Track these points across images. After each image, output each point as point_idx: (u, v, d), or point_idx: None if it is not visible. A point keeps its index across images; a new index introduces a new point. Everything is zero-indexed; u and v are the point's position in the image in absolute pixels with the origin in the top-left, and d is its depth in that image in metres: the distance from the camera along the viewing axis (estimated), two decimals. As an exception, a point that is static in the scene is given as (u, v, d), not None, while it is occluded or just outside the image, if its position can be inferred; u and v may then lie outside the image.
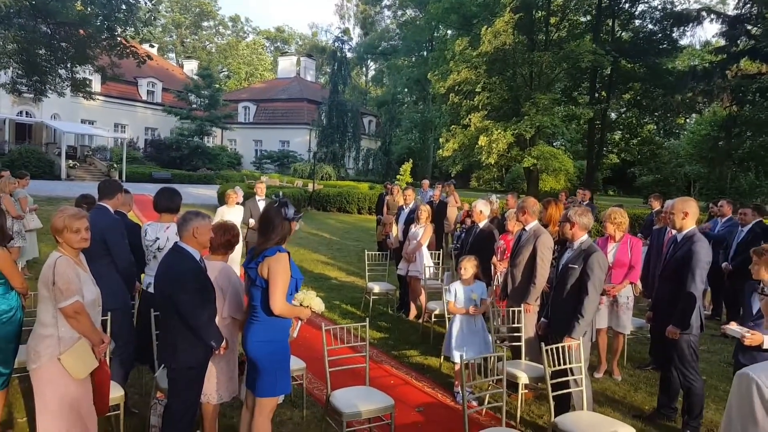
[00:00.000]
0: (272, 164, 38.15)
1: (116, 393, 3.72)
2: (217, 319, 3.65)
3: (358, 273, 9.84)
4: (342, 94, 37.50)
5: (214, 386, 3.81)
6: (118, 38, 19.81)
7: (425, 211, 7.40)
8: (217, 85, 37.94)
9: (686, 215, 4.43)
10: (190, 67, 47.13)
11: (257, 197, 8.45)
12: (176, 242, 3.53)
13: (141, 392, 4.72)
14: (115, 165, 30.34)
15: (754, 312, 3.70)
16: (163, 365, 3.69)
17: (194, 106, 35.43)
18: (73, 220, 3.23)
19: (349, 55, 43.78)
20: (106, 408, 3.50)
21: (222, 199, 20.82)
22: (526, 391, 4.72)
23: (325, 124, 37.17)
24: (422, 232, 7.38)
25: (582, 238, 4.27)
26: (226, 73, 61.12)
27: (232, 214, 7.84)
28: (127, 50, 20.01)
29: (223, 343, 3.47)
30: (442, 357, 5.78)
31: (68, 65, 20.06)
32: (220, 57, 63.52)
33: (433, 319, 6.77)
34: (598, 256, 4.16)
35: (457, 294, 5.08)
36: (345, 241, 15.07)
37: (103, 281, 3.64)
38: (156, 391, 4.04)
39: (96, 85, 31.50)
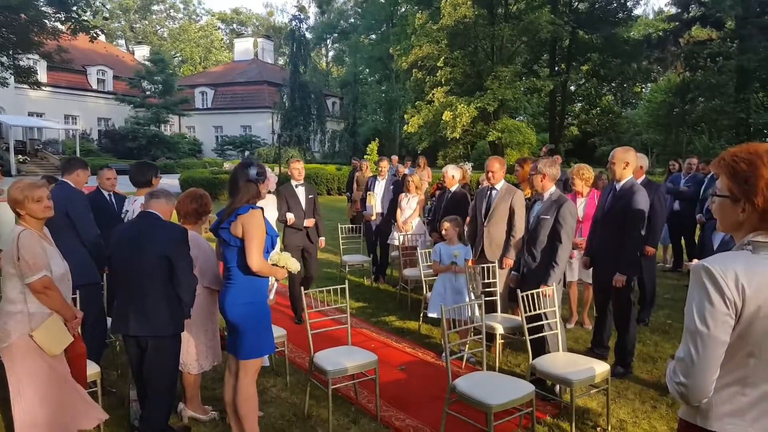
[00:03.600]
0: (235, 150, 37.37)
1: (92, 370, 3.64)
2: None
3: (332, 250, 9.81)
4: (303, 75, 36.88)
5: (194, 356, 3.78)
6: (68, 16, 18.83)
7: (413, 182, 7.44)
8: (171, 71, 36.82)
9: (627, 165, 4.49)
10: (142, 53, 45.47)
11: (293, 182, 6.18)
12: (146, 209, 3.44)
13: (117, 371, 4.63)
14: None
15: (715, 248, 3.85)
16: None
17: (148, 93, 34.29)
18: (33, 189, 3.09)
19: (308, 35, 42.99)
20: (84, 385, 3.41)
21: (185, 187, 20.38)
22: (502, 341, 4.82)
23: (287, 106, 36.49)
24: (416, 201, 7.45)
25: (551, 189, 4.35)
26: (180, 57, 59.32)
27: (264, 205, 6.31)
28: (78, 24, 19.00)
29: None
30: (421, 319, 5.85)
31: (10, 52, 19.09)
32: (173, 41, 61.53)
33: (409, 287, 6.83)
34: (569, 205, 4.26)
35: (441, 254, 5.24)
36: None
37: (69, 257, 3.52)
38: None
39: (42, 76, 30.20)
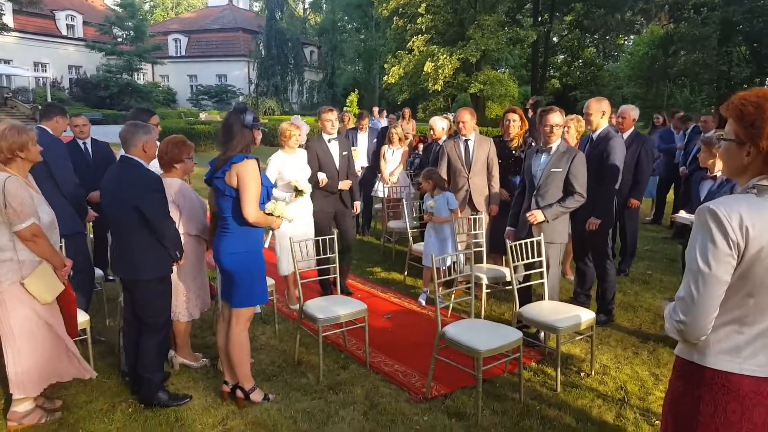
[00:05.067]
0: (210, 100, 36.39)
1: (81, 318, 3.60)
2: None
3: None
4: (280, 22, 35.68)
5: (184, 304, 3.77)
6: None
7: (397, 134, 7.36)
8: (142, 16, 35.24)
9: (604, 114, 4.61)
10: (112, -3, 43.45)
11: (326, 135, 5.26)
12: (123, 154, 3.34)
13: (103, 321, 4.61)
14: (39, 107, 28.23)
15: (702, 198, 3.91)
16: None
17: (119, 40, 32.91)
18: (29, 131, 3.00)
19: (284, -20, 41.39)
20: (75, 332, 3.38)
21: (160, 138, 19.38)
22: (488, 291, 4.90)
23: (264, 55, 35.46)
24: (400, 153, 7.41)
25: (558, 141, 4.28)
26: (150, 2, 56.77)
27: (294, 162, 4.95)
28: None
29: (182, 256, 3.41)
30: (407, 270, 5.91)
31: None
32: (143, -15, 58.70)
33: (394, 239, 6.87)
34: (581, 157, 4.22)
35: (432, 205, 5.23)
36: (296, 172, 14.84)
37: (52, 207, 3.43)
38: (121, 314, 3.96)
39: (8, 19, 28.72)
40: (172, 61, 39.26)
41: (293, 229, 4.55)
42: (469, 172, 5.27)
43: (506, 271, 4.60)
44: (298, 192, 4.62)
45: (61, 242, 3.64)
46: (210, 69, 39.08)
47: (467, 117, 5.26)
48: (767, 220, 1.48)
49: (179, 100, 38.01)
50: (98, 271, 4.59)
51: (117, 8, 34.02)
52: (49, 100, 27.97)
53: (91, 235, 4.95)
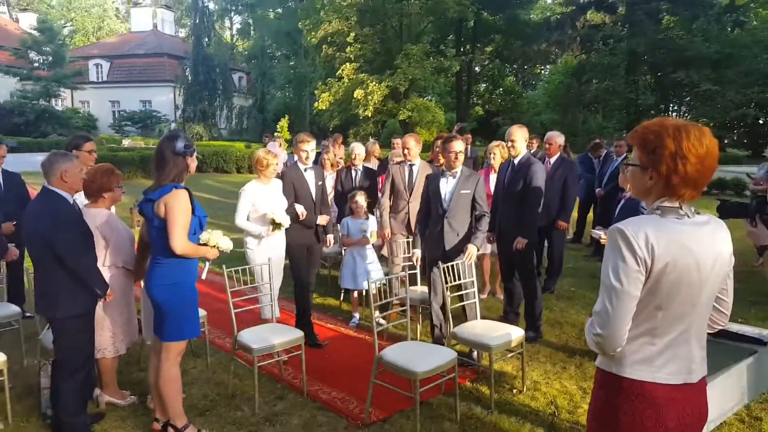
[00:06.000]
0: (134, 126, 35.03)
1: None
2: (102, 268, 3.42)
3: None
4: (207, 48, 35.12)
5: (110, 339, 3.60)
6: None
7: (329, 160, 7.45)
8: (61, 41, 33.70)
9: (525, 140, 4.94)
10: (28, 21, 41.15)
11: (301, 165, 4.90)
12: (44, 185, 3.20)
13: (21, 361, 4.30)
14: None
15: (616, 214, 4.20)
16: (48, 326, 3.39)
17: (36, 65, 31.29)
18: None
19: (211, 6, 40.93)
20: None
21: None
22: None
23: (190, 80, 34.68)
24: (332, 178, 7.32)
25: (461, 166, 4.49)
26: (71, 26, 54.35)
27: (269, 193, 4.72)
28: None
29: (108, 291, 3.27)
30: (342, 296, 5.90)
31: None
32: (62, 9, 56.24)
33: (328, 263, 6.84)
34: (482, 179, 4.56)
35: (349, 228, 5.41)
36: (227, 200, 14.47)
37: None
38: (41, 352, 3.73)
39: None
40: (93, 86, 37.67)
41: (274, 252, 4.55)
42: (409, 196, 5.41)
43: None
44: (276, 225, 4.49)
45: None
46: (133, 94, 37.76)
47: (412, 144, 5.39)
48: (671, 238, 1.63)
49: (100, 126, 36.28)
50: (15, 308, 4.31)
51: (34, 32, 32.37)
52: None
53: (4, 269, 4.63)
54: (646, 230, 1.62)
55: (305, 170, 4.91)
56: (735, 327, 3.79)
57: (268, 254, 4.54)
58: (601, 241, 3.86)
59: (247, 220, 4.83)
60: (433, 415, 3.59)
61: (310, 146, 4.83)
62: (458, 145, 4.37)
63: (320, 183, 5.01)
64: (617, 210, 4.14)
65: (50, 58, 31.23)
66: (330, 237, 5.21)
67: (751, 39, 25.37)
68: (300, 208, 4.76)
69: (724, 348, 2.67)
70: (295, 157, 5.05)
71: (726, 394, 2.45)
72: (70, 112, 34.04)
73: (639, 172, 1.74)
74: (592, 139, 9.80)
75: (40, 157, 5.04)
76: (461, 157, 4.41)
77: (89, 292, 3.18)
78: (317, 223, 4.92)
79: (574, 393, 3.93)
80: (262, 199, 4.66)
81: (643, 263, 1.62)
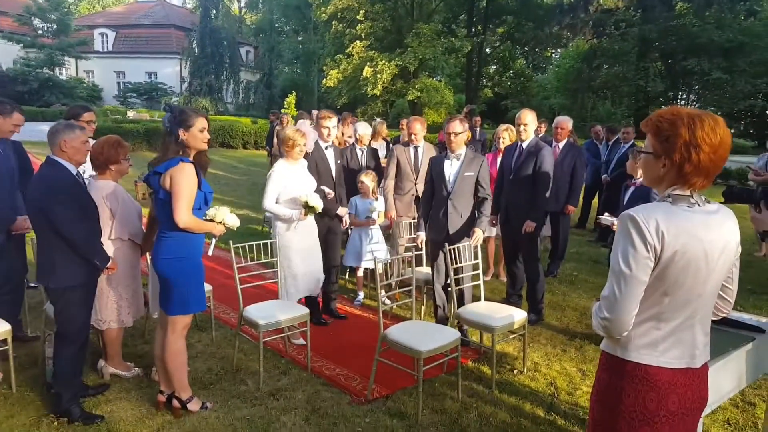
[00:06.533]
0: (139, 98, 34.86)
1: (2, 328, 3.42)
2: (106, 241, 3.45)
3: (251, 206, 9.60)
4: (214, 20, 34.77)
5: (115, 311, 3.64)
6: None
7: (336, 138, 7.36)
8: (66, 8, 33.38)
9: (536, 125, 4.98)
10: (31, -14, 40.82)
11: (322, 143, 4.85)
12: (48, 155, 3.22)
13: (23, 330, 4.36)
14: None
15: (625, 202, 4.20)
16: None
17: (40, 32, 31.02)
18: None
19: (219, -23, 40.37)
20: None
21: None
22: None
23: (197, 53, 34.40)
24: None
25: (464, 148, 4.48)
26: (75, -6, 53.82)
27: (299, 173, 4.42)
28: None
29: (110, 263, 3.28)
30: (347, 274, 5.95)
31: None
32: (67, -24, 55.61)
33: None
34: (486, 162, 4.54)
35: (357, 207, 5.39)
36: (233, 176, 14.54)
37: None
38: (45, 322, 3.78)
39: None
40: (98, 56, 37.38)
41: (300, 243, 4.34)
42: (416, 178, 5.42)
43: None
44: (309, 209, 4.22)
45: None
46: (139, 66, 37.45)
47: (418, 128, 5.40)
48: (680, 227, 1.64)
49: (105, 97, 36.15)
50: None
51: (39, -1, 32.08)
52: (-41, 93, 25.98)
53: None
54: (656, 217, 1.63)
55: (326, 148, 4.84)
56: (735, 314, 3.82)
57: (300, 239, 4.35)
58: (613, 227, 3.88)
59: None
60: (435, 393, 3.65)
61: (332, 122, 4.75)
62: (455, 126, 4.31)
63: (338, 162, 4.97)
64: (627, 197, 4.13)
65: (54, 26, 30.94)
66: (343, 212, 4.99)
67: (764, 28, 24.97)
68: (326, 189, 4.64)
69: (724, 334, 2.71)
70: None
71: (724, 380, 2.49)
72: (74, 81, 33.81)
73: (652, 160, 1.75)
74: (593, 126, 9.79)
75: (44, 126, 4.98)
76: (458, 139, 4.34)
77: (87, 263, 3.18)
78: (337, 213, 4.87)
79: (574, 375, 3.98)
80: (292, 181, 4.32)
81: (653, 250, 1.63)
